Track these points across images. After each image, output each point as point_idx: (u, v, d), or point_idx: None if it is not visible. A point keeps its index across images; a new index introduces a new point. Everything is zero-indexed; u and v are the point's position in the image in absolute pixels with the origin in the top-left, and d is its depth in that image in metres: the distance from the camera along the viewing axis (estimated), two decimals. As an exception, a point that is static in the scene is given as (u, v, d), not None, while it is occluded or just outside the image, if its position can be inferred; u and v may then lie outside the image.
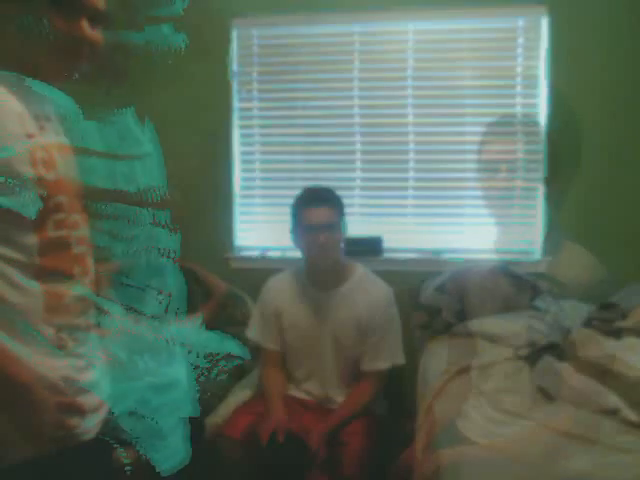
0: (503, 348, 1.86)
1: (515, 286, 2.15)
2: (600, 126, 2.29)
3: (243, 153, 2.57)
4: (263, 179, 2.60)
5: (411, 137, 2.45)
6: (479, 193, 2.43)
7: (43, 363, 0.90)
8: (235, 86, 2.52)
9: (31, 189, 0.87)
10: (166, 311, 1.50)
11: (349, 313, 1.94)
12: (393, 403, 2.15)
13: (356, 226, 2.30)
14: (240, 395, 2.10)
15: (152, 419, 1.05)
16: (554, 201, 2.34)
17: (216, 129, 2.51)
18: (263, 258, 2.54)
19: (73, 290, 0.95)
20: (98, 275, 1.07)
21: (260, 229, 2.60)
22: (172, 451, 1.05)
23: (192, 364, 1.29)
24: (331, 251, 1.90)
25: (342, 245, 1.97)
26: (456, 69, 2.40)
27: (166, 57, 1.17)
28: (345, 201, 2.02)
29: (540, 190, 2.37)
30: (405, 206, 2.50)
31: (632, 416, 1.31)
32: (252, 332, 2.06)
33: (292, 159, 2.56)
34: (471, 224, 2.45)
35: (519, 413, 1.40)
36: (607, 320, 1.72)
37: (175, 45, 1.16)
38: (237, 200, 2.58)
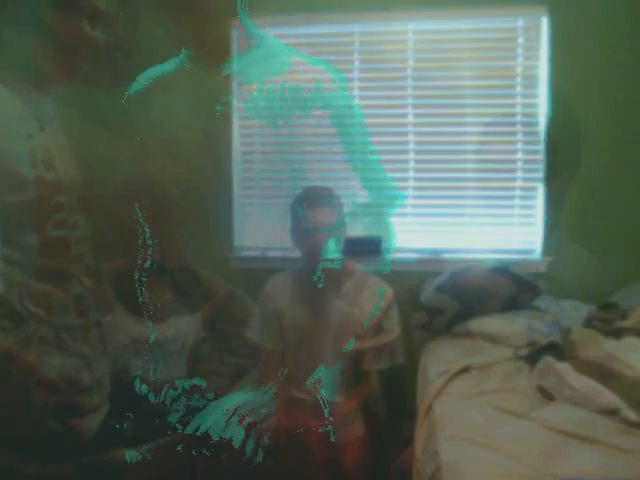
0: (503, 348, 1.86)
1: (515, 286, 2.15)
2: (600, 126, 2.29)
3: (243, 153, 2.57)
4: (263, 179, 2.60)
5: (411, 137, 2.46)
6: (479, 193, 2.43)
7: (43, 363, 0.90)
8: (235, 86, 2.52)
9: (31, 189, 0.87)
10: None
11: (349, 313, 1.94)
12: (393, 403, 2.15)
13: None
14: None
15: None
16: (554, 201, 2.35)
17: (216, 129, 2.51)
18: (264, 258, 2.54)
19: (73, 290, 0.95)
20: (99, 274, 1.07)
21: (260, 229, 2.59)
22: None
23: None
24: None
25: (342, 245, 1.97)
26: (456, 69, 2.39)
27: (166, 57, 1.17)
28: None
29: (540, 190, 2.37)
30: (405, 206, 2.50)
31: (632, 416, 1.31)
32: (252, 332, 2.06)
33: (292, 159, 2.56)
34: (471, 224, 2.45)
35: (519, 413, 1.40)
36: (607, 320, 1.73)
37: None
38: (237, 200, 2.58)
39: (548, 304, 2.11)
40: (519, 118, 2.40)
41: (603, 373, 1.43)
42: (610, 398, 1.37)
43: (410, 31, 2.41)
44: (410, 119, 2.45)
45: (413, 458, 1.45)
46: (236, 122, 2.54)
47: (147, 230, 2.56)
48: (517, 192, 2.43)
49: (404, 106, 2.45)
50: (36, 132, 0.92)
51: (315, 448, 1.73)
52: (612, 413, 1.34)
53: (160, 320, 2.28)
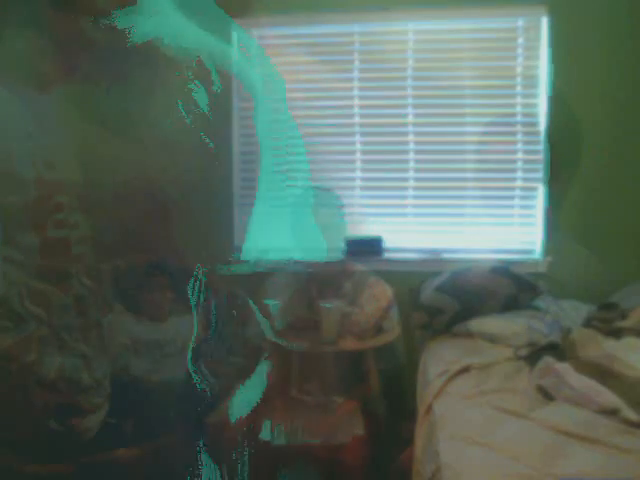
0: (503, 348, 1.86)
1: (515, 286, 2.15)
2: (600, 126, 2.29)
3: (243, 153, 2.58)
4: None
5: (411, 137, 2.46)
6: (479, 193, 2.43)
7: (43, 363, 0.90)
8: (235, 86, 2.52)
9: (31, 189, 0.87)
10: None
11: (349, 314, 1.94)
12: (393, 403, 2.15)
13: (356, 226, 2.30)
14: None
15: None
16: (554, 201, 2.35)
17: (216, 129, 2.50)
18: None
19: (73, 290, 0.95)
20: (99, 274, 1.07)
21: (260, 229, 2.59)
22: None
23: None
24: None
25: (342, 245, 1.97)
26: (456, 69, 2.40)
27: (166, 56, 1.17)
28: (345, 201, 2.02)
29: (540, 190, 2.37)
30: (405, 206, 2.50)
31: (632, 416, 1.31)
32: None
33: (292, 159, 2.56)
34: (471, 224, 2.45)
35: (519, 413, 1.40)
36: (607, 320, 1.72)
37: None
38: (237, 200, 2.58)
39: (548, 304, 2.11)
40: (519, 118, 2.40)
41: (603, 373, 1.43)
42: (610, 398, 1.36)
43: (410, 31, 2.41)
44: (410, 119, 2.46)
45: (413, 458, 1.45)
46: (236, 122, 2.54)
47: (147, 230, 2.57)
48: (517, 192, 2.43)
49: (404, 106, 2.45)
50: (36, 132, 0.92)
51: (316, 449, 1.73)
52: (612, 413, 1.34)
53: (160, 320, 2.28)
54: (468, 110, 2.42)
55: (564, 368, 1.51)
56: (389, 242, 2.45)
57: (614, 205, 2.31)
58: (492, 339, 1.95)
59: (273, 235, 2.51)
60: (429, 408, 1.54)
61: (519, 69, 2.39)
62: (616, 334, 1.62)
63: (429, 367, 1.84)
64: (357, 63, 2.47)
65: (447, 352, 1.91)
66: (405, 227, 2.50)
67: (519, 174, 2.42)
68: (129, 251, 2.51)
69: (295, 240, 2.03)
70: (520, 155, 2.41)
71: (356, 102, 2.48)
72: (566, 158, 2.33)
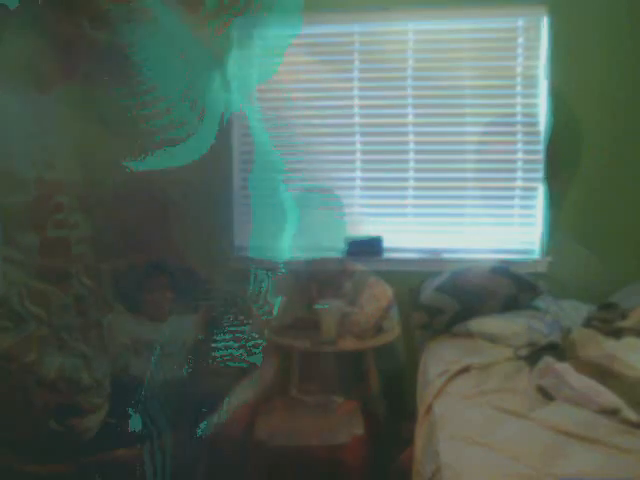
0: (503, 348, 1.86)
1: (515, 286, 2.15)
2: (600, 126, 2.30)
3: (243, 153, 2.57)
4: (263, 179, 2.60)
5: (411, 137, 2.46)
6: (479, 193, 2.43)
7: (43, 363, 0.90)
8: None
9: (31, 189, 0.87)
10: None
11: (349, 313, 1.94)
12: (393, 403, 2.15)
13: (356, 226, 2.30)
14: (241, 395, 2.09)
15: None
16: (554, 201, 2.35)
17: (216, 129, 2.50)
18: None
19: (73, 290, 0.95)
20: (99, 274, 1.07)
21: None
22: None
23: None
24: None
25: (342, 245, 1.98)
26: (456, 69, 2.40)
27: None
28: (345, 201, 2.02)
29: (540, 190, 2.37)
30: (405, 206, 2.50)
31: (632, 416, 1.31)
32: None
33: (292, 159, 2.56)
34: (471, 224, 2.45)
35: (519, 413, 1.40)
36: (607, 320, 1.73)
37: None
38: (237, 200, 2.58)
39: (548, 304, 2.11)
40: (519, 118, 2.41)
41: (603, 373, 1.43)
42: (610, 398, 1.37)
43: (410, 31, 2.41)
44: (410, 119, 2.46)
45: (413, 458, 1.45)
46: (236, 122, 2.54)
47: (147, 230, 2.57)
48: (517, 192, 2.43)
49: (404, 106, 2.45)
50: (36, 132, 0.92)
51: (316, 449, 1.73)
52: (612, 413, 1.34)
53: (160, 320, 2.28)
54: (468, 110, 2.42)
55: (564, 368, 1.51)
56: (389, 242, 2.45)
57: (614, 205, 2.32)
58: (492, 339, 1.95)
59: (273, 235, 2.51)
60: (429, 408, 1.54)
61: (519, 69, 2.39)
62: (616, 334, 1.62)
63: (429, 367, 1.84)
64: (357, 63, 2.47)
65: (447, 352, 1.91)
66: (405, 227, 2.50)
67: (519, 174, 2.42)
68: (129, 251, 2.51)
69: (295, 240, 2.03)
70: (520, 155, 2.41)
71: (356, 102, 2.48)
72: (566, 158, 2.33)
